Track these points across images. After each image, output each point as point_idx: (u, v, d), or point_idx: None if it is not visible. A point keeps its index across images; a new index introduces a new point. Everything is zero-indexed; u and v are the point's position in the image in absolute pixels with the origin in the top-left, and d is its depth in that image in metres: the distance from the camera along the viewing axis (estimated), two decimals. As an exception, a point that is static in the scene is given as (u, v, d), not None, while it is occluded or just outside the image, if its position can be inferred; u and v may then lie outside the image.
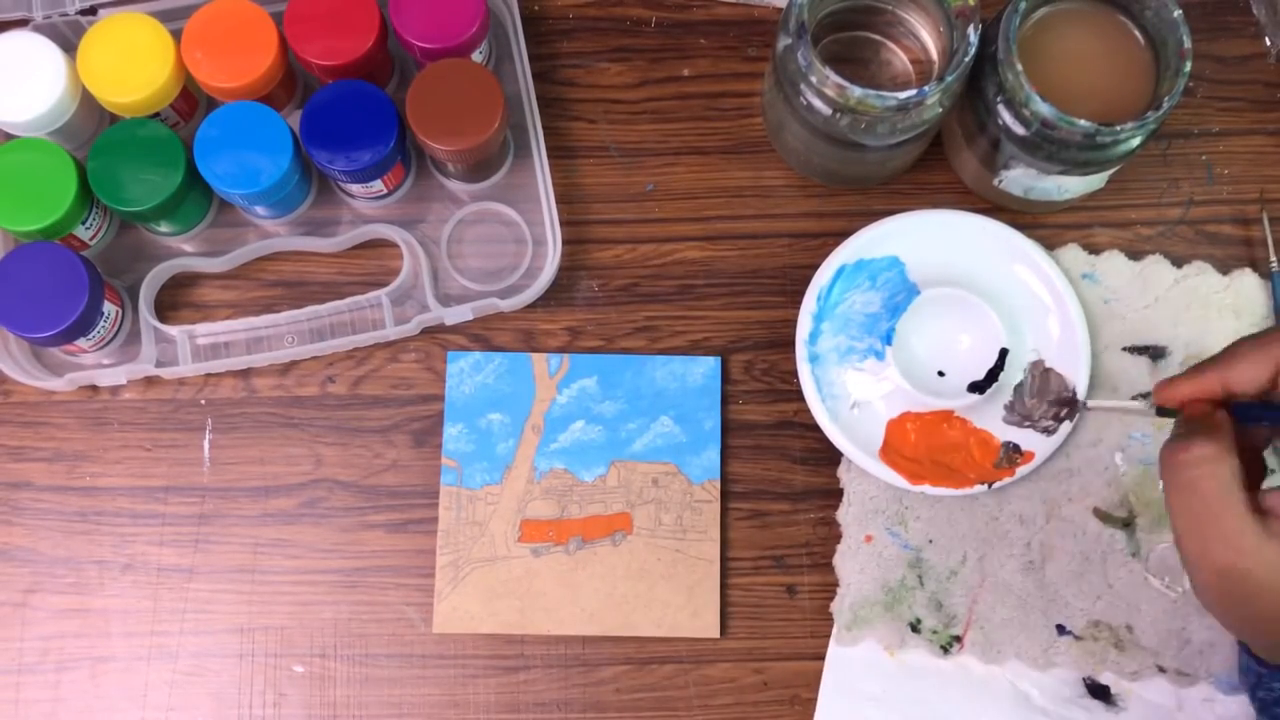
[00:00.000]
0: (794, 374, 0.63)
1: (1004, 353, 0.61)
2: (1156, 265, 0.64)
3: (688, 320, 0.65)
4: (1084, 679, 0.61)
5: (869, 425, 0.62)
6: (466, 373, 0.63)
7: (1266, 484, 0.50)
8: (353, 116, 0.60)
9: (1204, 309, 0.64)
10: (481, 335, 0.64)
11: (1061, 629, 0.61)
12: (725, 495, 0.63)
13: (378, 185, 0.62)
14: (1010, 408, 0.61)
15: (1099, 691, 0.61)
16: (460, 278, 0.64)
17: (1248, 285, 0.64)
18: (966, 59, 0.56)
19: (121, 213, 0.60)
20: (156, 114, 0.61)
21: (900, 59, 0.64)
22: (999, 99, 0.57)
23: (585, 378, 0.63)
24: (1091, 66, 0.59)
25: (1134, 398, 0.53)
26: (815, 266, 0.63)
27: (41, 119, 0.60)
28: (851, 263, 0.63)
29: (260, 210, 0.63)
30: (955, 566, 0.61)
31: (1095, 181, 0.61)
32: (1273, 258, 0.64)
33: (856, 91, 0.55)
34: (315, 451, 0.63)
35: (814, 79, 0.56)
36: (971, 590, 0.61)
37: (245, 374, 0.64)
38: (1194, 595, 0.49)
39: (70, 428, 0.63)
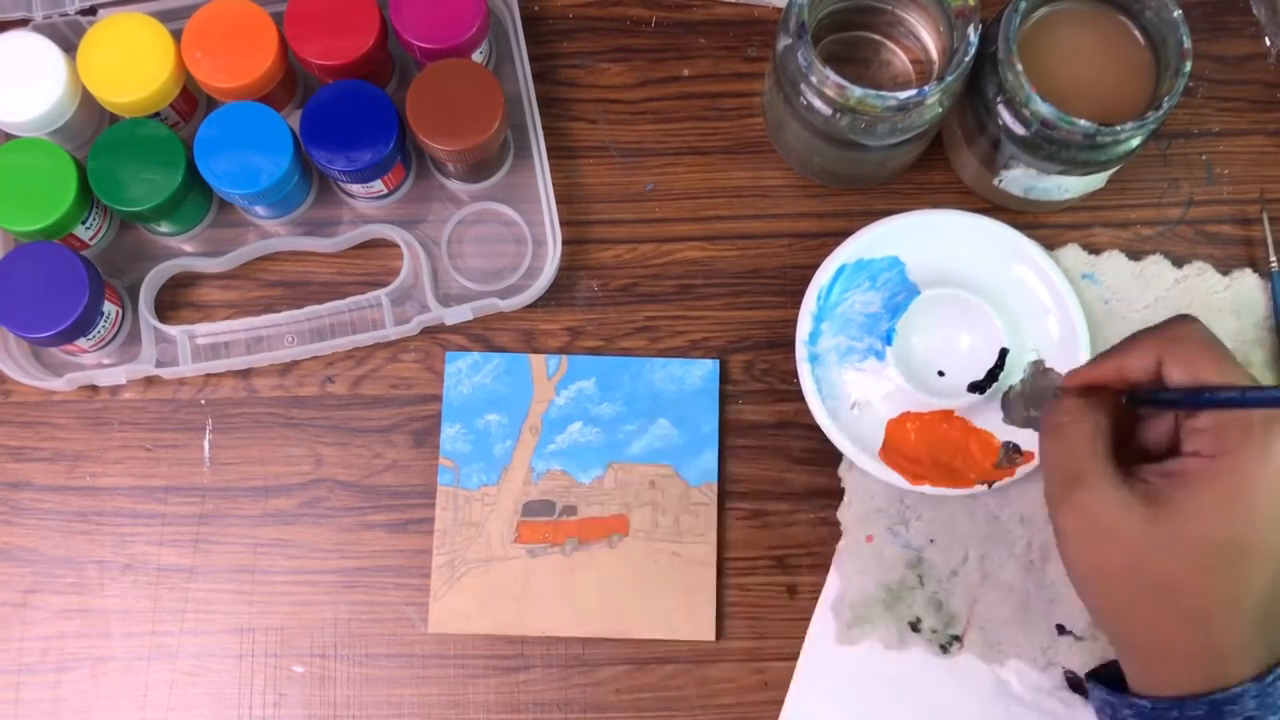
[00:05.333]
0: (794, 374, 0.63)
1: (1004, 353, 0.61)
2: (1156, 265, 0.64)
3: (688, 320, 0.65)
4: (1065, 671, 0.61)
5: (869, 425, 0.62)
6: (464, 373, 0.63)
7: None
8: (353, 116, 0.60)
9: (1204, 309, 0.63)
10: (481, 335, 0.64)
11: (1061, 629, 0.61)
12: (724, 496, 0.63)
13: (378, 185, 0.62)
14: (1009, 408, 0.61)
15: (1079, 685, 0.61)
16: (460, 278, 0.64)
17: (1248, 285, 0.64)
18: (966, 59, 0.56)
19: (121, 213, 0.60)
20: (156, 114, 0.61)
21: (900, 59, 0.64)
22: (999, 99, 0.57)
23: (583, 379, 0.63)
24: (1091, 66, 0.59)
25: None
26: (815, 266, 0.63)
27: (41, 119, 0.60)
28: (851, 263, 0.62)
29: (260, 210, 0.63)
30: (956, 566, 0.61)
31: (1095, 181, 0.61)
32: (1273, 258, 0.64)
33: (856, 91, 0.55)
34: (315, 451, 0.63)
35: (814, 79, 0.56)
36: (972, 590, 0.61)
37: (245, 374, 0.64)
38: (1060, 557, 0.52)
39: (70, 428, 0.63)
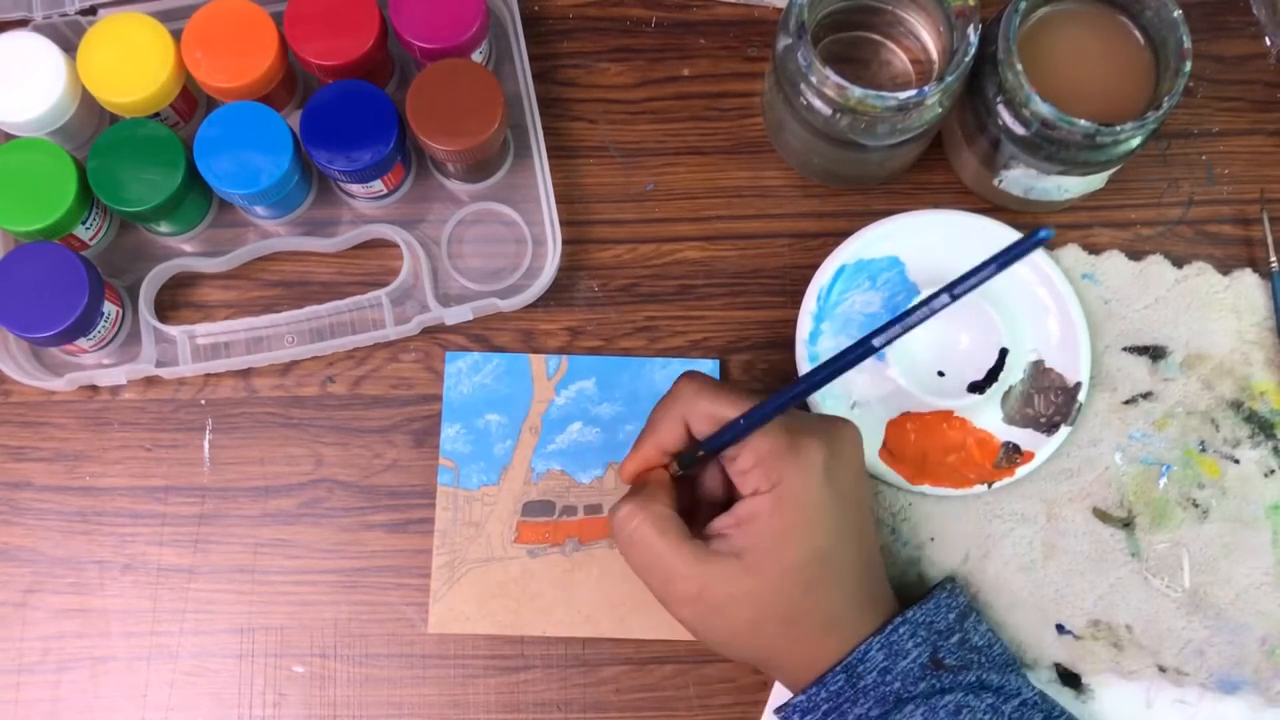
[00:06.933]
0: (794, 374, 0.63)
1: (1004, 353, 0.61)
2: (1156, 265, 0.64)
3: (688, 320, 0.65)
4: (1056, 665, 0.61)
5: (869, 425, 0.61)
6: (464, 373, 0.63)
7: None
8: (353, 116, 0.60)
9: (1204, 309, 0.64)
10: (481, 335, 0.64)
11: (1061, 628, 0.61)
12: (725, 495, 0.63)
13: (378, 185, 0.62)
14: (1009, 407, 0.61)
15: (1070, 679, 0.61)
16: (460, 278, 0.64)
17: (1248, 285, 0.64)
18: (966, 59, 0.56)
19: (121, 213, 0.60)
20: (156, 114, 0.61)
21: (900, 59, 0.64)
22: (999, 99, 0.57)
23: (583, 379, 0.63)
24: (1091, 66, 0.59)
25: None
26: (815, 266, 0.63)
27: (41, 119, 0.60)
28: (851, 263, 0.63)
29: (260, 210, 0.63)
30: (956, 565, 0.61)
31: (1095, 181, 0.61)
32: (1273, 258, 0.64)
33: (856, 91, 0.55)
34: (315, 451, 0.63)
35: (814, 79, 0.56)
36: (971, 589, 0.61)
37: (245, 374, 0.64)
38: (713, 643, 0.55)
39: (70, 428, 0.63)
